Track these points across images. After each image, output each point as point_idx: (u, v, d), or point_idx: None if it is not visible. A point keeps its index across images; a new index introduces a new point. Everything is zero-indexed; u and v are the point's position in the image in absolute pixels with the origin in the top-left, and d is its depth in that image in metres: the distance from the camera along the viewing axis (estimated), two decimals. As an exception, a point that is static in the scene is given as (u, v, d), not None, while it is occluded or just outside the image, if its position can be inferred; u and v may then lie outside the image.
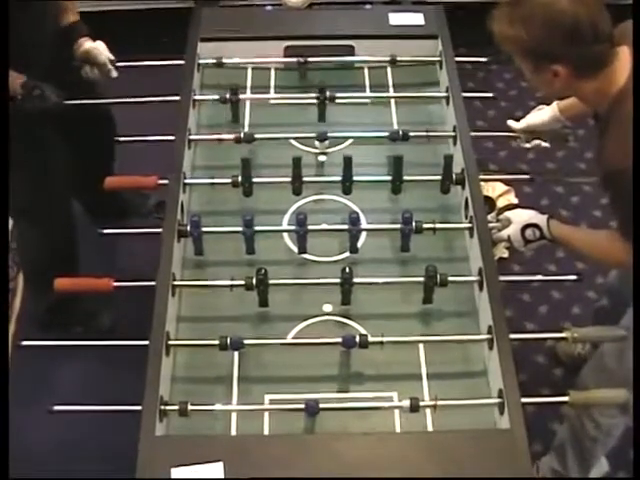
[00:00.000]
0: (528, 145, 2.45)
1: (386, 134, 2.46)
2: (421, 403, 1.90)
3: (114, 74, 2.64)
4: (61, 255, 2.86)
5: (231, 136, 2.46)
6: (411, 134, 2.45)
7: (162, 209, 2.31)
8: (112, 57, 2.64)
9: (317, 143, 2.49)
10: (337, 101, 2.56)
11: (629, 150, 1.81)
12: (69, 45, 2.60)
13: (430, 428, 1.92)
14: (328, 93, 2.54)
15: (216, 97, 2.57)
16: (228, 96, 2.56)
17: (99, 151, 3.08)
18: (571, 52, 1.82)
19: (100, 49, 2.62)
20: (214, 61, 2.70)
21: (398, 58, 2.71)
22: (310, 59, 2.69)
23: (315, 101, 2.56)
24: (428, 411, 1.93)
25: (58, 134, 2.70)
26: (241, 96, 2.57)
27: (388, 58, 2.71)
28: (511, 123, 2.44)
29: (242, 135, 2.45)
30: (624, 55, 1.88)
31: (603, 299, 2.83)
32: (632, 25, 1.94)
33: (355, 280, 2.10)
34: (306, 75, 2.73)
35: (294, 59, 2.70)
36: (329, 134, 2.47)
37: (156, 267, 2.10)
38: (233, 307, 2.15)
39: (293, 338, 2.09)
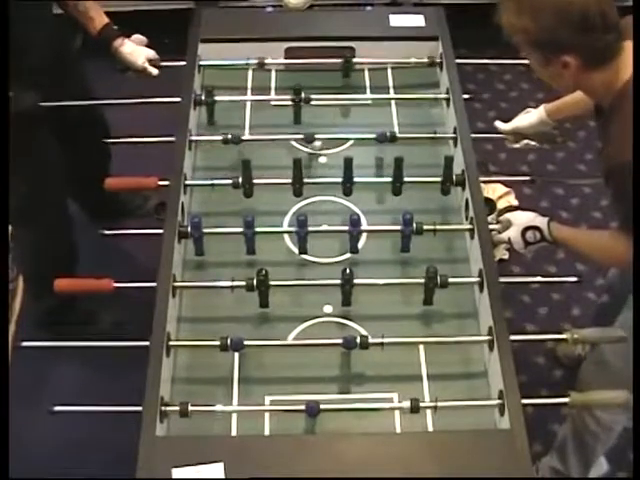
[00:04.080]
0: (517, 145, 2.46)
1: (373, 136, 2.46)
2: (421, 404, 1.91)
3: (155, 72, 2.63)
4: (60, 257, 2.86)
5: (219, 137, 2.45)
6: (399, 135, 2.45)
7: (162, 210, 2.31)
8: (151, 55, 2.63)
9: (307, 144, 2.49)
10: (338, 102, 2.56)
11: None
12: (107, 52, 2.60)
13: (430, 429, 1.92)
14: (303, 94, 2.54)
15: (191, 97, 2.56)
16: (204, 97, 2.55)
17: (94, 152, 3.09)
18: (581, 42, 1.80)
19: (135, 54, 2.61)
20: (256, 61, 2.70)
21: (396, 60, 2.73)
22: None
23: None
24: (428, 412, 1.93)
25: (53, 136, 2.70)
26: (244, 97, 2.57)
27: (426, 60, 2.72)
28: (498, 124, 2.45)
29: (229, 136, 2.44)
30: (629, 49, 1.88)
31: (604, 296, 2.83)
32: (632, 26, 1.94)
33: (355, 281, 2.10)
34: (350, 75, 2.74)
35: (338, 60, 2.71)
36: (329, 136, 2.48)
37: (157, 268, 2.10)
38: (234, 308, 2.15)
39: (294, 339, 2.09)
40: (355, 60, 2.74)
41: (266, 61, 2.71)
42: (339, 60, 2.71)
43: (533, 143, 2.43)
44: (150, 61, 2.64)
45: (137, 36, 2.64)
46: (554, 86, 2.01)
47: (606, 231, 2.08)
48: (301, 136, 2.49)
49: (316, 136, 2.48)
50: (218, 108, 2.60)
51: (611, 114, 1.91)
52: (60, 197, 2.86)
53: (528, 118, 2.39)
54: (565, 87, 2.00)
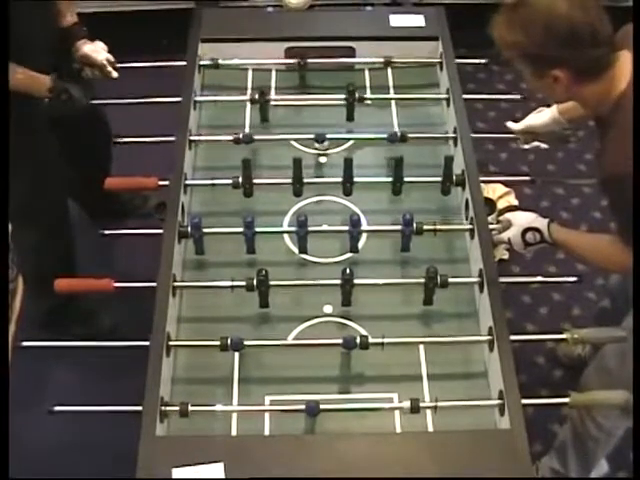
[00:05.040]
0: (527, 146, 2.46)
1: (384, 136, 2.46)
2: (421, 404, 1.91)
3: (114, 75, 2.65)
4: (60, 256, 2.86)
5: (230, 137, 2.46)
6: (409, 135, 2.45)
7: (163, 210, 2.32)
8: (111, 58, 2.64)
9: (316, 144, 2.49)
10: (338, 102, 2.56)
11: (629, 156, 1.81)
12: (67, 48, 2.61)
13: (430, 429, 1.92)
14: (357, 95, 2.55)
15: (246, 97, 2.59)
16: (257, 97, 2.56)
17: (95, 152, 3.08)
18: (570, 56, 1.81)
19: (98, 51, 2.63)
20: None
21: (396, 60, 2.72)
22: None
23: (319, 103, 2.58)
24: (428, 412, 1.93)
25: (53, 136, 2.70)
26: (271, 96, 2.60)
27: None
28: (510, 125, 2.44)
29: (241, 136, 2.45)
30: (625, 59, 1.88)
31: (605, 300, 2.83)
32: (632, 28, 1.94)
33: (356, 281, 2.10)
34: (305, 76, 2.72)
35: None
36: (328, 135, 2.48)
37: (157, 268, 2.10)
38: (234, 308, 2.15)
39: (294, 339, 2.09)
40: (355, 60, 2.75)
41: (227, 62, 2.72)
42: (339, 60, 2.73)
43: (544, 146, 2.43)
44: (109, 62, 2.65)
45: (99, 42, 2.65)
46: (548, 98, 2.01)
47: (606, 235, 2.08)
48: (302, 136, 2.50)
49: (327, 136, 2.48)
50: (218, 108, 2.61)
51: (607, 125, 1.91)
52: (60, 197, 2.86)
53: (541, 117, 2.38)
54: (558, 99, 2.00)
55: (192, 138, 2.48)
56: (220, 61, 2.69)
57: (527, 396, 1.88)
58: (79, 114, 2.53)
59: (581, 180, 3.61)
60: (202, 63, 2.71)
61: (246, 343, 2.00)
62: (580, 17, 1.78)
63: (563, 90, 1.88)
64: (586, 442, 2.50)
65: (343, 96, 2.56)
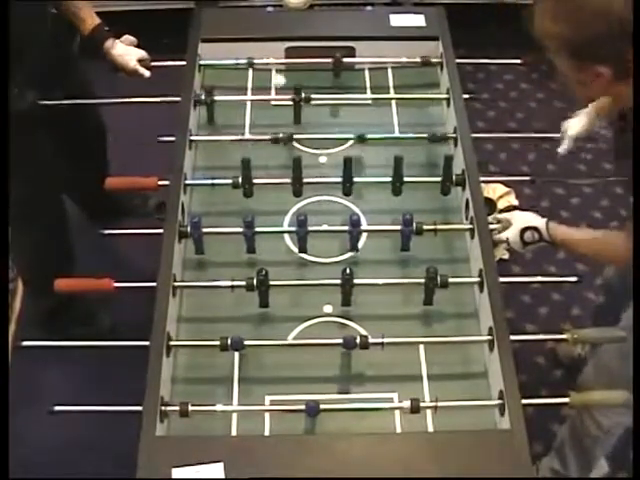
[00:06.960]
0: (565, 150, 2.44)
1: (425, 135, 2.46)
2: (421, 404, 1.90)
3: (147, 74, 2.63)
4: (59, 257, 2.86)
5: (267, 137, 2.44)
6: (409, 135, 2.44)
7: (162, 210, 2.32)
8: (145, 56, 2.62)
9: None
10: (340, 102, 2.56)
11: None
12: (97, 53, 2.60)
13: (430, 429, 1.92)
14: (304, 94, 2.54)
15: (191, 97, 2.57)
16: (203, 97, 2.55)
17: (92, 152, 3.08)
18: (619, 53, 1.73)
19: (128, 55, 2.61)
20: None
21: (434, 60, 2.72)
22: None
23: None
24: (429, 412, 1.93)
25: (51, 137, 2.69)
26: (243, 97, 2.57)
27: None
28: (563, 146, 2.42)
29: (280, 135, 2.44)
30: None
31: (600, 297, 2.83)
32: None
33: (356, 281, 2.10)
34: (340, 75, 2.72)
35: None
36: (333, 135, 2.48)
37: (157, 268, 2.10)
38: (234, 308, 2.15)
39: (294, 339, 2.09)
40: (355, 60, 2.75)
41: (261, 61, 2.71)
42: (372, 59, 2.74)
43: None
44: (141, 62, 2.64)
45: (127, 37, 2.64)
46: (576, 93, 1.94)
47: (612, 232, 2.07)
48: (302, 136, 2.50)
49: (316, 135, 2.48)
50: (218, 108, 2.61)
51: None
52: (58, 197, 2.86)
53: (580, 121, 2.37)
54: (591, 96, 1.95)
55: (192, 138, 2.48)
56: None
57: (527, 396, 1.88)
58: (31, 111, 2.49)
59: (581, 180, 3.62)
60: (202, 63, 2.71)
61: (246, 343, 2.00)
62: (626, 11, 1.69)
63: (601, 87, 1.81)
64: (585, 441, 2.50)
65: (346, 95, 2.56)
